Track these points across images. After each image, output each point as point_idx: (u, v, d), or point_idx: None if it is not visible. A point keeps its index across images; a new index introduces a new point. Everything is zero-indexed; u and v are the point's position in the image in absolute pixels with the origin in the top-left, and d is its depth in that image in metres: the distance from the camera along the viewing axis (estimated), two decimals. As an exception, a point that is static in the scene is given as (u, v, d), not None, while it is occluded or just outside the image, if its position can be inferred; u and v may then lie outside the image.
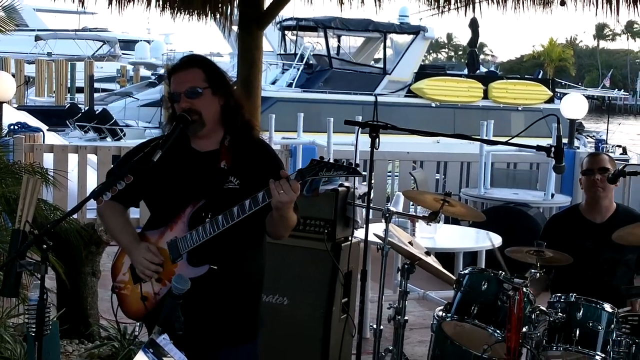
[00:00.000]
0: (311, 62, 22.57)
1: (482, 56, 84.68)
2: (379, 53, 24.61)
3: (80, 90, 28.64)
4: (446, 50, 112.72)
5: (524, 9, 5.49)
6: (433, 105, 22.44)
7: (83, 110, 22.15)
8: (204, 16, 6.04)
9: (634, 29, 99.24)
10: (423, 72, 23.42)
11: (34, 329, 2.94)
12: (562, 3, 5.33)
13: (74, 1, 5.92)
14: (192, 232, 3.01)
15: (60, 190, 6.17)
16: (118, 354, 4.62)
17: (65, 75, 29.09)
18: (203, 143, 3.15)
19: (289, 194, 2.84)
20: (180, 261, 3.05)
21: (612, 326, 3.57)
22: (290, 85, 21.68)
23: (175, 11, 5.95)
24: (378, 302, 4.14)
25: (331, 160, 2.94)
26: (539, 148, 3.59)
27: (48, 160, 8.01)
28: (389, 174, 10.31)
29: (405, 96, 22.50)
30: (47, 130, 11.30)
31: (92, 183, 8.27)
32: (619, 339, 3.56)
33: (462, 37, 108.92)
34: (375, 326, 4.19)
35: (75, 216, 5.96)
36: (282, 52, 23.42)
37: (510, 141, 3.98)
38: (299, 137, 10.77)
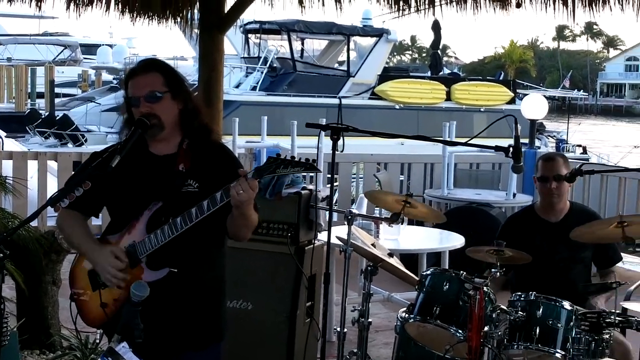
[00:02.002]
0: (275, 65, 22.60)
1: (445, 58, 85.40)
2: (342, 56, 24.72)
3: (40, 95, 28.39)
4: (410, 52, 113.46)
5: (482, 10, 5.53)
6: (397, 107, 22.61)
7: (43, 116, 21.94)
8: (164, 20, 5.98)
9: (594, 30, 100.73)
10: (387, 75, 23.61)
11: (-7, 339, 2.90)
12: (518, 5, 5.38)
13: (30, 5, 5.85)
14: (151, 236, 2.99)
15: (20, 198, 6.09)
16: (80, 363, 4.57)
17: (25, 80, 28.79)
18: (161, 147, 3.13)
19: (248, 193, 2.83)
20: (139, 265, 3.03)
21: (572, 323, 3.61)
22: (254, 88, 21.69)
23: (135, 15, 5.89)
24: (342, 304, 4.14)
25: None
26: (497, 148, 3.61)
27: (7, 167, 7.90)
28: (353, 176, 10.33)
29: (369, 98, 22.65)
30: (6, 137, 11.17)
31: (52, 190, 8.15)
32: (578, 336, 3.60)
33: (426, 39, 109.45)
34: (339, 329, 4.19)
35: (35, 224, 5.90)
36: (246, 55, 23.42)
37: (470, 142, 4.02)
38: (263, 141, 10.74)
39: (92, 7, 5.75)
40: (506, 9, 5.52)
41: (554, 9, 5.34)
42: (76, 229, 3.17)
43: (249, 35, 23.28)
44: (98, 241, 3.14)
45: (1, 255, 2.73)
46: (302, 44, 24.33)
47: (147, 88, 3.05)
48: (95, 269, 3.08)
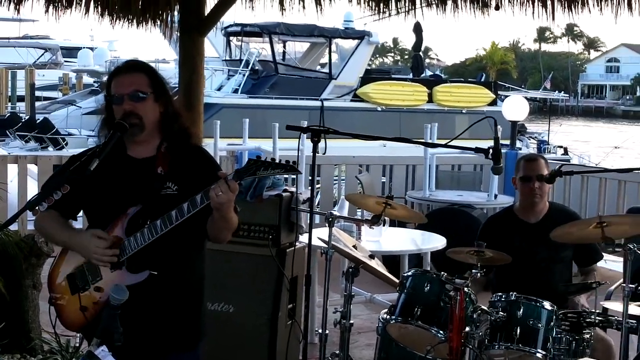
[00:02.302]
0: (257, 67, 22.55)
1: (427, 60, 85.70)
2: (324, 58, 24.70)
3: (21, 99, 28.21)
4: (392, 54, 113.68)
5: (461, 12, 5.55)
6: (379, 109, 22.62)
7: (24, 120, 21.80)
8: (144, 23, 5.96)
9: (575, 32, 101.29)
10: (369, 77, 23.63)
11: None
12: (497, 7, 5.41)
13: (9, 8, 5.81)
14: (130, 239, 2.98)
15: (-1, 202, 6.05)
16: (61, 366, 4.55)
17: (5, 83, 28.63)
18: (140, 150, 3.12)
19: (227, 194, 2.83)
20: (119, 268, 3.01)
21: (552, 323, 3.63)
22: (235, 91, 21.63)
23: (115, 17, 5.87)
24: (323, 306, 4.14)
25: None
26: (477, 150, 3.63)
27: (-14, 171, 7.85)
28: (335, 178, 10.34)
29: (352, 101, 22.66)
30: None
31: (32, 194, 8.09)
32: (559, 336, 3.63)
33: (408, 41, 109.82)
34: (321, 331, 4.20)
35: (14, 228, 5.86)
36: (228, 58, 23.36)
37: (450, 143, 4.03)
38: (244, 143, 10.75)
39: (71, 10, 5.72)
40: (485, 11, 5.55)
41: (533, 10, 5.38)
42: (55, 224, 3.16)
43: (231, 38, 23.23)
44: (79, 229, 3.14)
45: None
46: (284, 46, 24.30)
47: (132, 87, 3.05)
48: (82, 254, 3.06)
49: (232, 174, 2.87)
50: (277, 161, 2.87)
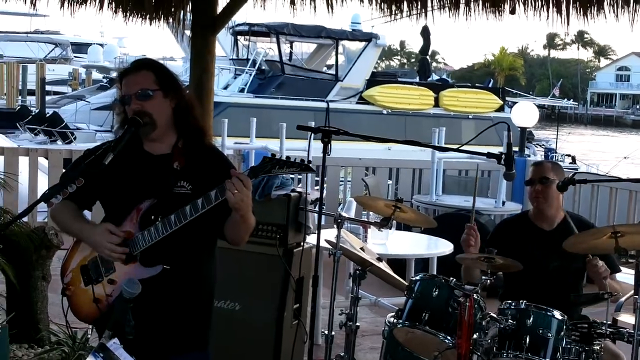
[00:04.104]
0: (263, 67, 22.60)
1: (435, 64, 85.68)
2: (331, 60, 24.74)
3: (31, 93, 28.36)
4: (399, 57, 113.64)
5: (475, 16, 5.54)
6: (384, 112, 22.64)
7: (33, 113, 21.89)
8: (157, 20, 5.98)
9: (585, 39, 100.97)
10: (375, 79, 23.62)
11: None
12: (512, 11, 5.39)
13: (25, 2, 5.84)
14: (144, 232, 3.00)
15: (10, 193, 6.07)
16: (68, 358, 4.56)
17: (16, 77, 28.81)
18: (156, 146, 3.14)
19: (242, 192, 2.84)
20: (133, 262, 3.03)
21: (562, 333, 3.57)
22: (242, 90, 21.67)
23: (128, 14, 5.89)
24: (329, 308, 4.14)
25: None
26: (489, 155, 3.62)
27: (-3, 162, 7.89)
28: (341, 180, 10.34)
29: (357, 103, 22.68)
30: (-5, 132, 11.17)
31: (42, 186, 8.15)
32: (568, 346, 3.56)
33: (415, 44, 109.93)
34: (326, 332, 4.19)
35: (25, 219, 5.88)
36: (235, 57, 23.41)
37: (461, 148, 4.02)
38: (251, 142, 10.76)
39: (85, 5, 5.75)
40: (499, 15, 5.53)
41: (548, 15, 5.36)
42: (70, 214, 3.18)
43: (238, 37, 23.27)
44: (92, 222, 3.15)
45: (-7, 250, 2.72)
46: (291, 47, 24.36)
47: (138, 86, 3.07)
48: (93, 247, 3.09)
49: (247, 171, 2.89)
50: (292, 160, 2.89)
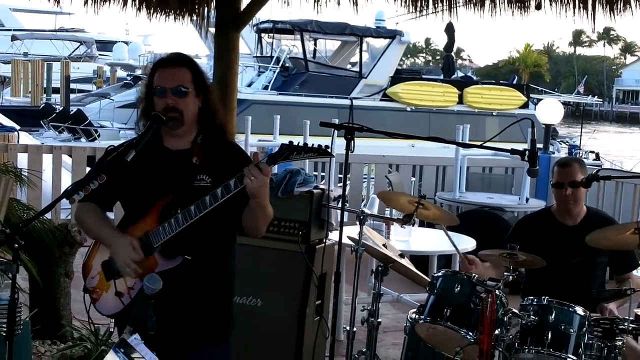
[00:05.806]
0: (287, 64, 22.60)
1: (459, 61, 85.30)
2: (355, 57, 24.67)
3: (56, 90, 28.53)
4: (424, 54, 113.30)
5: (501, 12, 5.51)
6: (408, 109, 22.57)
7: (57, 111, 22.04)
8: (181, 17, 6.01)
9: (611, 36, 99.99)
10: (399, 77, 23.55)
11: (5, 329, 2.91)
12: (538, 7, 5.35)
13: (49, 0, 5.88)
14: (165, 225, 3.01)
15: (34, 190, 6.13)
16: (90, 354, 4.59)
17: (41, 75, 28.99)
18: (175, 142, 3.16)
19: (259, 178, 2.85)
20: (154, 254, 3.05)
21: (584, 329, 3.58)
22: (266, 87, 21.69)
23: (152, 11, 5.92)
24: (351, 304, 4.14)
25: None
26: (513, 152, 3.59)
27: (22, 160, 7.95)
28: (364, 177, 10.32)
29: (381, 100, 22.61)
30: (19, 130, 11.25)
31: (66, 184, 8.22)
32: (590, 342, 3.56)
33: (440, 42, 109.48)
34: (348, 328, 4.19)
35: (48, 216, 5.94)
36: (259, 54, 23.43)
37: (485, 145, 4.00)
38: (275, 140, 10.77)
39: (109, 3, 5.78)
40: (525, 11, 5.50)
41: (574, 12, 5.32)
42: (95, 217, 3.21)
43: (262, 34, 23.30)
44: (118, 229, 3.17)
45: (16, 245, 2.75)
46: (315, 44, 24.33)
47: (175, 81, 3.09)
48: (112, 256, 3.11)
49: (266, 159, 2.89)
50: (310, 146, 2.88)
